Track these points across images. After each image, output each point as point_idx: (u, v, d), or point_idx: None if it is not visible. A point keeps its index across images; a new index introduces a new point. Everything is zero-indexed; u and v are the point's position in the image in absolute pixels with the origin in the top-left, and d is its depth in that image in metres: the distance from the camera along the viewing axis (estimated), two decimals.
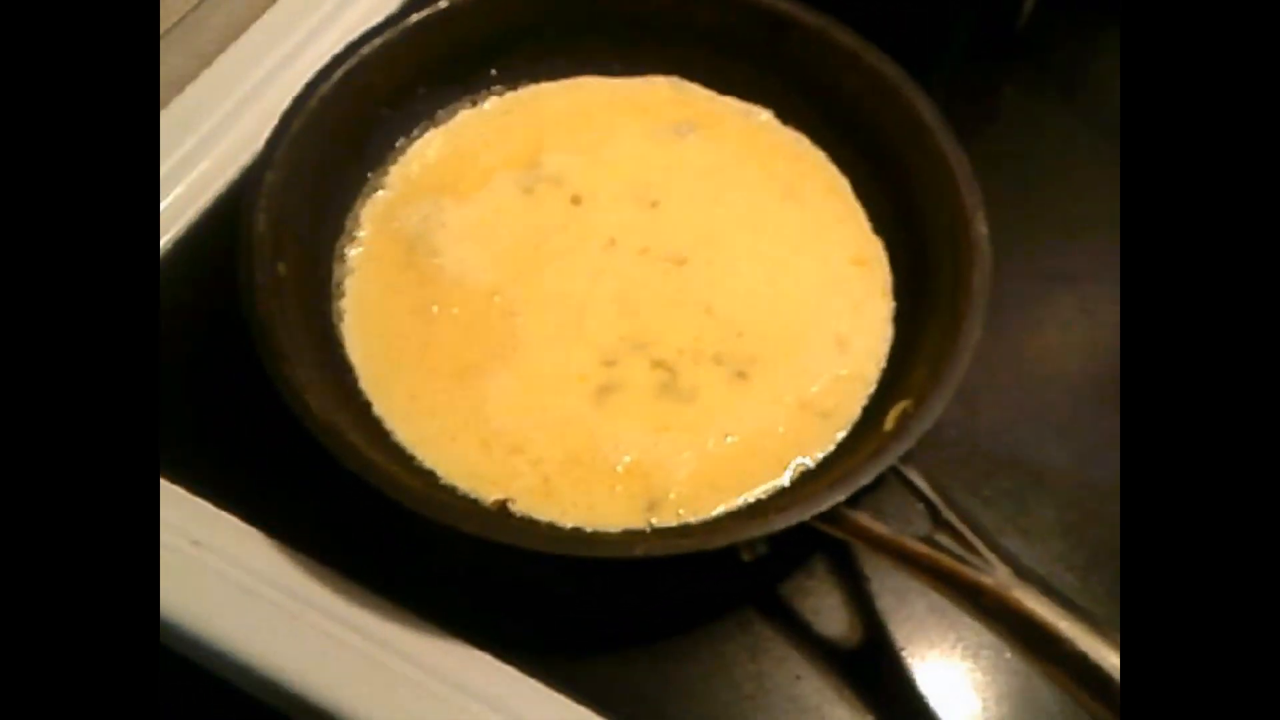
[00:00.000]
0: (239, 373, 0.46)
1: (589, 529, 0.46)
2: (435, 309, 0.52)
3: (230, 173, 0.56)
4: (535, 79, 0.59)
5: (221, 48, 0.60)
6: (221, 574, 0.46)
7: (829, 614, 0.49)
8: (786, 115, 0.59)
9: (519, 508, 0.47)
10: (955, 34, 0.74)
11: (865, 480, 0.43)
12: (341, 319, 0.51)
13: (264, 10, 0.62)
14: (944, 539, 0.43)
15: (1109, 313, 0.59)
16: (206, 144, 0.57)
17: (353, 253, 0.53)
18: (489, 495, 0.47)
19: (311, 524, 0.48)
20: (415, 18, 0.56)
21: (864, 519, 0.44)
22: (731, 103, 0.60)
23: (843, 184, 0.57)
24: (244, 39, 0.61)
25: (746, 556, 0.45)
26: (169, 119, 0.57)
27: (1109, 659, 0.38)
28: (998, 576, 0.41)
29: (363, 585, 0.46)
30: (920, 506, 0.44)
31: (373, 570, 0.46)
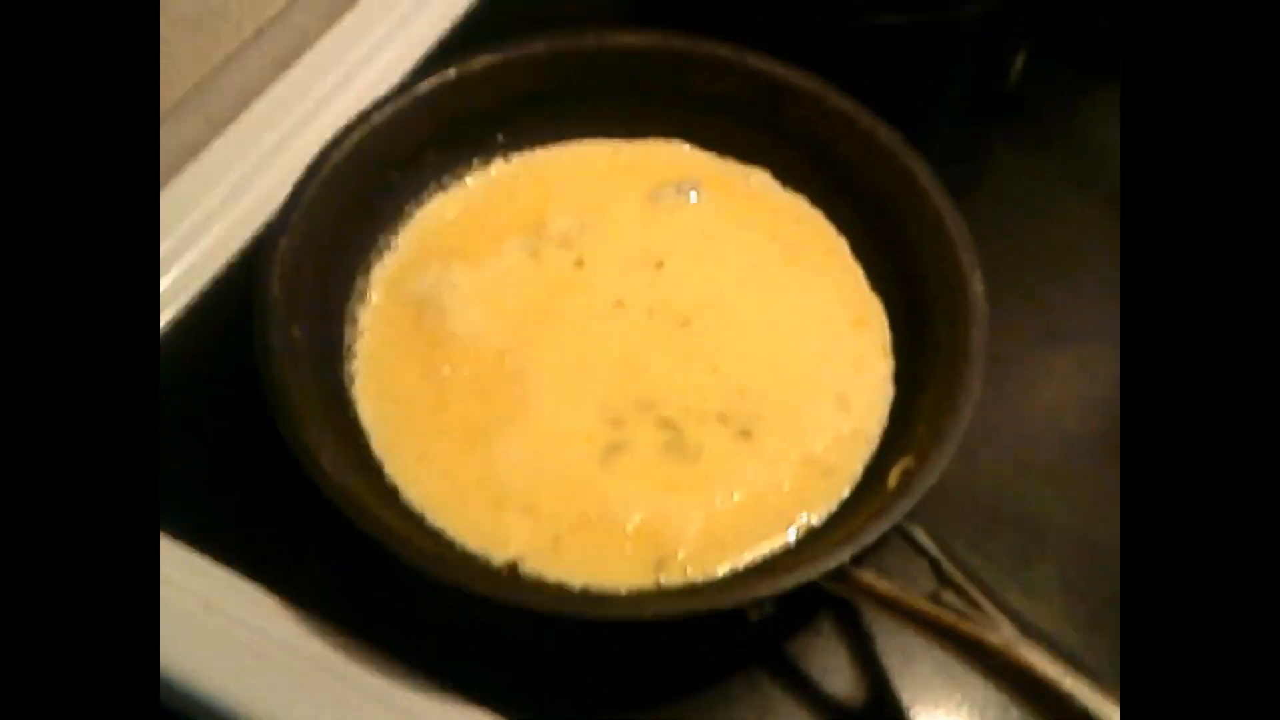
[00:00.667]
0: (250, 433, 0.47)
1: (597, 589, 0.47)
2: (445, 370, 0.52)
3: (240, 241, 0.57)
4: (542, 143, 0.60)
5: (233, 116, 0.62)
6: (230, 635, 0.46)
7: (836, 673, 0.49)
8: (786, 177, 0.60)
9: (529, 567, 0.47)
10: (947, 94, 0.76)
11: (870, 539, 0.44)
12: (353, 382, 0.52)
13: (274, 79, 0.64)
14: (949, 596, 0.43)
15: (1107, 369, 0.60)
16: (217, 213, 0.58)
17: (364, 315, 0.54)
18: (499, 556, 0.47)
19: (323, 585, 0.48)
20: (424, 86, 0.57)
21: (869, 577, 0.44)
22: (732, 165, 0.61)
23: (841, 245, 0.58)
24: (254, 107, 0.62)
25: (754, 616, 0.45)
26: (180, 187, 0.59)
27: (1113, 716, 0.39)
28: (1003, 633, 0.42)
29: (373, 646, 0.46)
30: (924, 564, 0.45)
31: (383, 631, 0.47)
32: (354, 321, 0.54)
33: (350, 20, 0.67)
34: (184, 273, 0.56)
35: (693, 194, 0.60)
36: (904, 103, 0.66)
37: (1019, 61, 0.77)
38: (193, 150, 0.60)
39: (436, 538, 0.48)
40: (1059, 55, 0.75)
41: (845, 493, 0.51)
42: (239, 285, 0.53)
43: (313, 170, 0.53)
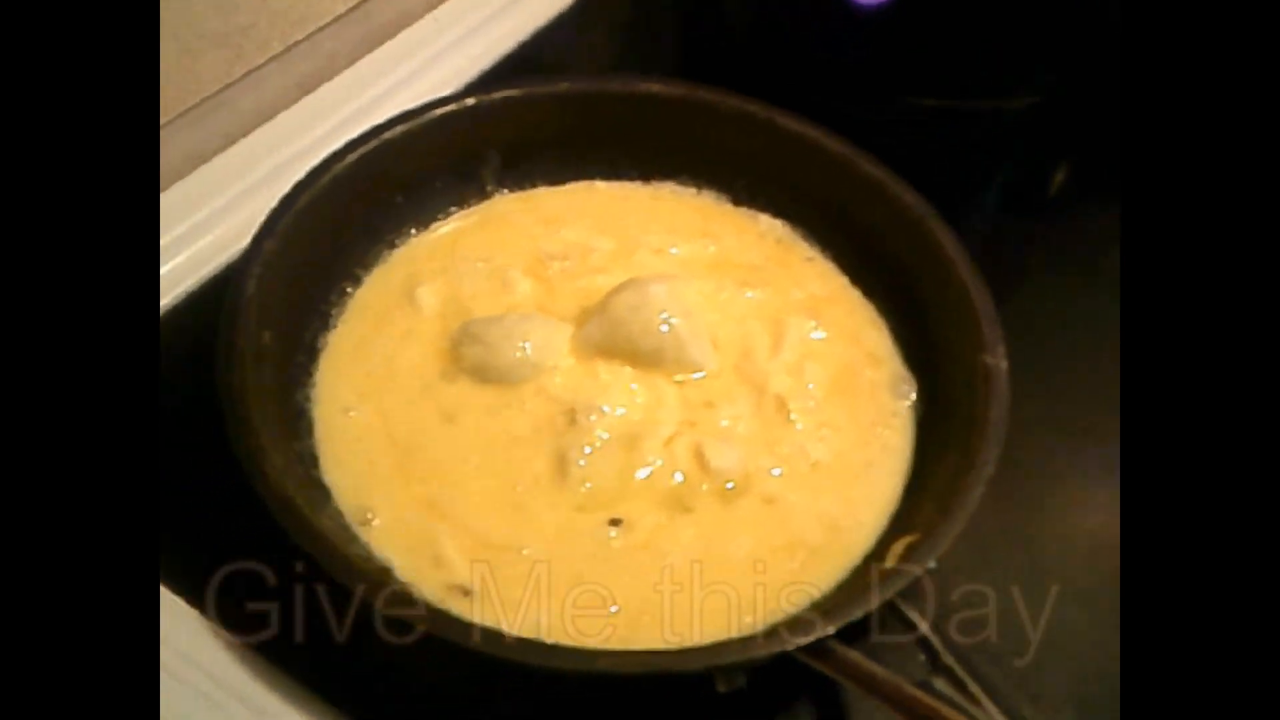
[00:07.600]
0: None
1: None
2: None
3: (232, 252, 0.55)
4: (552, 182, 0.58)
5: (248, 131, 0.61)
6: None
7: None
8: (803, 232, 0.58)
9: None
10: (987, 187, 0.74)
11: (857, 613, 0.40)
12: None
13: (295, 101, 0.62)
14: (941, 685, 0.39)
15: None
16: (217, 218, 0.56)
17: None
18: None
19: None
20: (440, 110, 0.55)
21: (855, 656, 0.40)
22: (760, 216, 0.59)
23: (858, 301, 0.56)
24: (269, 125, 0.61)
25: (723, 687, 0.40)
26: (182, 190, 0.57)
27: None
28: None
29: (311, 690, 0.42)
30: (919, 649, 0.40)
31: (322, 671, 0.42)
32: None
33: (381, 53, 0.66)
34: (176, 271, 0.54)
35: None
36: (943, 191, 0.64)
37: (1061, 173, 0.76)
38: (201, 159, 0.59)
39: (384, 574, 0.44)
40: (1102, 171, 0.73)
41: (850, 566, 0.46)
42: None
43: (311, 178, 0.51)
